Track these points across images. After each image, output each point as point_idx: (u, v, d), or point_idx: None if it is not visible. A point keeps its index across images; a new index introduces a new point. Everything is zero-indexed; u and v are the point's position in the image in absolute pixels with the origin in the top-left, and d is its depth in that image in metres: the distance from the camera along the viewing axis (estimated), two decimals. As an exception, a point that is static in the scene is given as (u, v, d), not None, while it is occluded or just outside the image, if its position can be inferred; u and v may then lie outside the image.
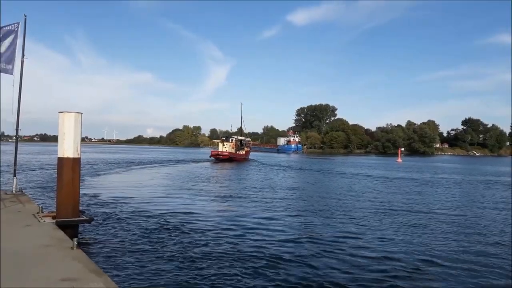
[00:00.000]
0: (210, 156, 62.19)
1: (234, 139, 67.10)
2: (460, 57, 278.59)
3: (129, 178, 31.53)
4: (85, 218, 10.34)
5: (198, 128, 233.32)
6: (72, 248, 6.96)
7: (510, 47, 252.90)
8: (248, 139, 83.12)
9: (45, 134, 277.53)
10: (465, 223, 14.90)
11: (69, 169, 9.94)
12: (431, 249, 10.83)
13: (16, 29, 13.44)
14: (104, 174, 33.42)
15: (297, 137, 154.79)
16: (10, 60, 13.36)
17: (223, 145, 63.77)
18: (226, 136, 71.10)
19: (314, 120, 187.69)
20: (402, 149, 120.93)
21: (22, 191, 14.20)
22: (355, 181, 32.53)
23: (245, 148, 70.05)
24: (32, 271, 5.80)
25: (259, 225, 13.43)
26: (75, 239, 7.16)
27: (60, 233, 8.24)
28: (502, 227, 14.41)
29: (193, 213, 15.37)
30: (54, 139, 15.87)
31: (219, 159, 59.37)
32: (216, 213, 15.76)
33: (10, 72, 13.35)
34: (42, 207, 10.78)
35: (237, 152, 63.94)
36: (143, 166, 46.15)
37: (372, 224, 13.96)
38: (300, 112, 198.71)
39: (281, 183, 29.63)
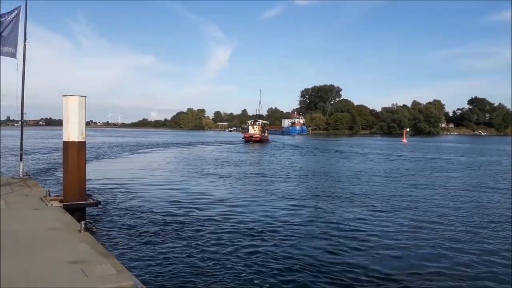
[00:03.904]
0: (242, 138, 70.56)
1: (260, 122, 76.77)
2: (467, 34, 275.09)
3: (145, 161, 31.64)
4: (92, 201, 10.44)
5: (202, 110, 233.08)
6: (79, 231, 7.03)
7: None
8: (266, 122, 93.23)
9: (50, 118, 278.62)
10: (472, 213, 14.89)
11: (75, 153, 9.98)
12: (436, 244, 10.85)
13: (18, 12, 13.33)
14: (116, 157, 33.59)
15: (301, 118, 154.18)
16: (14, 43, 13.28)
17: (253, 128, 72.69)
18: (254, 120, 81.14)
19: (319, 101, 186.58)
20: (408, 129, 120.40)
21: (29, 175, 14.33)
22: (367, 162, 32.57)
23: (266, 131, 78.82)
24: (41, 253, 5.87)
25: (278, 214, 13.44)
26: (82, 222, 7.23)
27: (68, 217, 8.32)
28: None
29: (210, 198, 15.00)
30: (60, 123, 16.06)
31: (251, 140, 67.53)
32: (234, 199, 15.08)
33: (13, 55, 13.29)
34: (49, 190, 10.87)
35: (263, 134, 72.92)
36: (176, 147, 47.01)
37: (373, 217, 13.94)
38: (304, 93, 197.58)
39: (310, 163, 30.42)
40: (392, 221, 11.67)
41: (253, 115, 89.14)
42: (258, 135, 69.24)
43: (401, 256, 8.55)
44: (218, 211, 12.51)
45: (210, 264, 7.79)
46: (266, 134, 75.18)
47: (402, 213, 12.73)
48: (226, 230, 10.26)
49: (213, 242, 9.22)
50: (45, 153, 34.41)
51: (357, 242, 9.44)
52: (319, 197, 15.50)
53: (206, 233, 9.93)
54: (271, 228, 10.53)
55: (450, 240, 9.74)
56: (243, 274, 7.34)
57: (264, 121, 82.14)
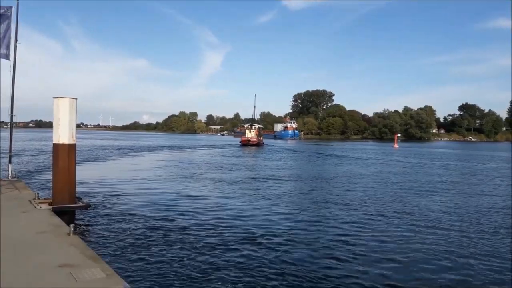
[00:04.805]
0: (240, 142, 72.19)
1: (256, 127, 79.13)
2: (457, 41, 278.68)
3: (136, 164, 31.42)
4: (81, 204, 10.33)
5: (195, 114, 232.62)
6: (68, 234, 6.94)
7: (508, 31, 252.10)
8: (262, 126, 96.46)
9: (40, 120, 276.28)
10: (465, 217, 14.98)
11: (65, 155, 9.89)
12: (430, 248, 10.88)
13: (10, 14, 13.22)
14: (106, 160, 33.33)
15: (294, 123, 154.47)
16: (7, 45, 13.15)
17: (250, 132, 75.16)
18: (250, 124, 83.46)
19: (311, 106, 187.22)
20: (399, 134, 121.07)
21: (18, 177, 14.15)
22: (362, 167, 32.68)
23: (261, 135, 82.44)
24: (29, 257, 5.78)
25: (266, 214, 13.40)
26: (71, 225, 7.14)
27: (57, 219, 8.22)
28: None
29: (205, 202, 14.78)
30: (50, 125, 15.72)
31: (249, 144, 68.87)
32: (229, 203, 14.85)
33: (6, 57, 13.17)
34: (38, 193, 10.74)
35: (259, 138, 75.39)
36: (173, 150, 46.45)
37: (369, 220, 13.96)
38: (297, 98, 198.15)
39: (306, 167, 30.42)
40: (389, 226, 11.67)
41: (246, 119, 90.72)
42: (255, 139, 71.49)
43: (400, 264, 8.47)
44: (212, 216, 12.38)
45: (201, 270, 7.70)
46: (261, 138, 77.83)
47: (400, 219, 12.67)
48: (219, 235, 10.15)
49: (205, 247, 9.10)
50: (35, 155, 34.05)
51: (354, 249, 9.35)
52: (316, 203, 15.36)
53: (198, 238, 9.83)
54: (267, 234, 10.37)
55: (449, 247, 9.80)
56: (238, 283, 7.27)
57: (259, 126, 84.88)
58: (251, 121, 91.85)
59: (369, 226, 11.62)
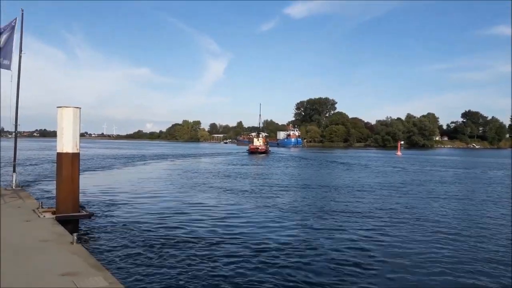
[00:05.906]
0: (247, 150, 74.57)
1: (263, 135, 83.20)
2: (459, 48, 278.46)
3: (143, 173, 31.46)
4: (85, 213, 10.37)
5: (198, 122, 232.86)
6: (72, 243, 6.98)
7: (509, 38, 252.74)
8: (267, 134, 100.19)
9: (44, 129, 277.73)
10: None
11: (69, 164, 9.96)
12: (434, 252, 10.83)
13: (13, 24, 13.42)
14: (110, 169, 33.40)
15: (297, 131, 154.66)
16: (8, 55, 13.32)
17: (258, 140, 78.77)
18: (257, 132, 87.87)
19: (314, 114, 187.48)
20: (402, 142, 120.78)
21: (21, 186, 14.23)
22: (369, 175, 32.59)
23: (267, 143, 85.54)
24: (33, 265, 5.82)
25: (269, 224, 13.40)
26: (75, 234, 7.18)
27: (60, 228, 8.27)
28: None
29: (211, 212, 14.56)
30: (54, 134, 15.78)
31: (257, 152, 71.30)
32: (236, 212, 14.60)
33: (8, 67, 13.33)
34: (42, 202, 10.80)
35: (266, 146, 78.45)
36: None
37: (375, 223, 13.92)
38: (299, 105, 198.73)
39: (314, 175, 30.48)
40: (404, 235, 11.54)
41: (249, 128, 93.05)
42: (263, 147, 74.25)
43: (419, 274, 8.33)
44: (219, 225, 12.25)
45: (206, 281, 7.61)
46: (268, 146, 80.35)
47: (414, 227, 12.50)
48: (227, 245, 10.00)
49: (211, 258, 8.94)
50: (39, 165, 34.18)
51: (370, 257, 9.26)
52: (327, 212, 15.09)
53: (203, 248, 9.71)
54: (277, 244, 10.16)
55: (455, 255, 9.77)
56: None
57: (265, 134, 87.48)
58: (256, 130, 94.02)
59: (384, 234, 11.52)
